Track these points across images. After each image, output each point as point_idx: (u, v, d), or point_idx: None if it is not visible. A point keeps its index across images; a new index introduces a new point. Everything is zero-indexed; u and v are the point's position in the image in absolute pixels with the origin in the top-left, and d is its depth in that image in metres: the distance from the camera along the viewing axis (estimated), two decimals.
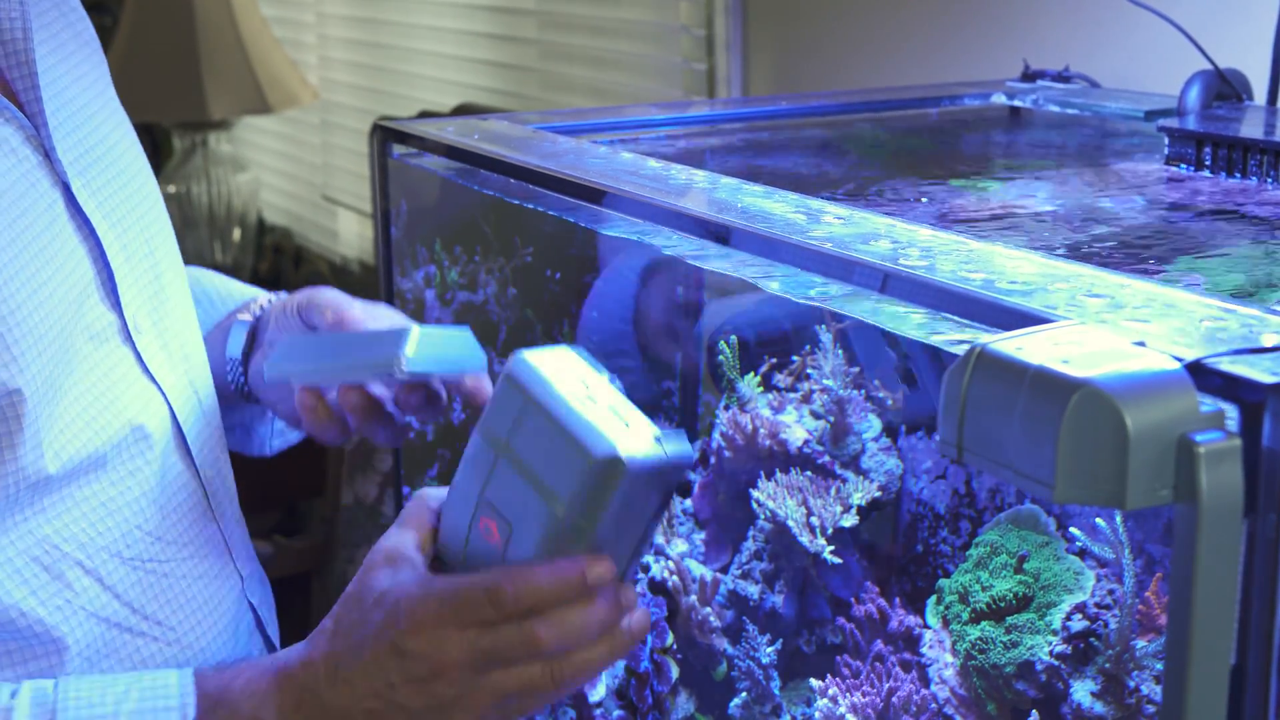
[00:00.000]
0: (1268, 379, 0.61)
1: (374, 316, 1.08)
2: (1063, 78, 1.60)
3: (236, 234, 4.18)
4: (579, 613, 0.86)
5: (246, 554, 1.11)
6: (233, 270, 4.17)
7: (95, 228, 0.98)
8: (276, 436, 1.29)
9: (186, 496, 1.03)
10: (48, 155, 0.97)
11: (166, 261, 1.07)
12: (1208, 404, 0.62)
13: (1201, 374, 0.63)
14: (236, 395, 1.16)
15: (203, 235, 4.13)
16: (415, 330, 0.98)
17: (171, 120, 4.23)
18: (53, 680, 0.91)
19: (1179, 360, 0.63)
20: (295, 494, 3.57)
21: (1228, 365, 0.63)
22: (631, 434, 0.84)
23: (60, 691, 0.89)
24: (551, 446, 0.85)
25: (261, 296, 1.19)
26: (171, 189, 4.11)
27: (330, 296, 1.09)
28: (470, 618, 0.86)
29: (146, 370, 1.01)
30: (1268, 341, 0.66)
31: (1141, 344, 0.66)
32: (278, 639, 1.13)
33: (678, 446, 0.85)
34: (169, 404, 1.02)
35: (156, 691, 0.90)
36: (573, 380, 0.87)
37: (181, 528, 1.02)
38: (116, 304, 0.99)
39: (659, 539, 1.30)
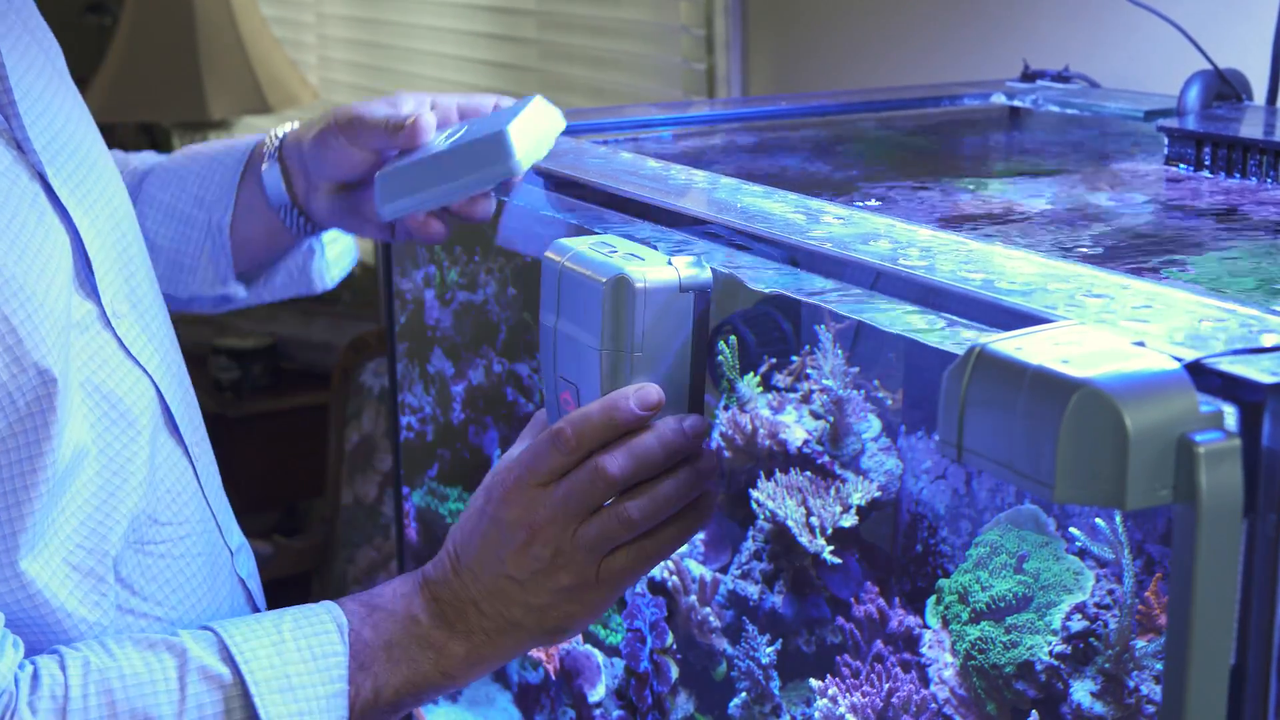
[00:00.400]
0: (1267, 379, 0.61)
1: (397, 104, 1.13)
2: (1062, 78, 1.60)
3: None
4: (640, 439, 0.91)
5: (233, 528, 1.12)
6: None
7: (71, 215, 0.99)
8: (333, 267, 1.35)
9: (178, 476, 1.04)
10: (20, 147, 0.98)
11: (135, 247, 1.08)
12: (1207, 404, 0.62)
13: (1201, 374, 0.63)
14: (292, 236, 1.23)
15: None
16: (512, 132, 1.05)
17: (171, 120, 4.23)
18: (200, 625, 0.98)
19: (1178, 360, 0.63)
20: (295, 494, 3.57)
21: (1227, 365, 0.63)
22: (643, 264, 0.92)
23: (221, 630, 0.95)
24: (580, 296, 0.93)
25: (264, 139, 1.25)
26: None
27: (353, 112, 1.14)
28: (544, 469, 0.92)
29: (130, 354, 1.01)
30: (1267, 341, 0.66)
31: (1141, 344, 0.66)
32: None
33: (693, 269, 0.93)
34: (155, 385, 1.03)
35: (308, 615, 0.97)
36: (597, 244, 0.95)
37: (176, 507, 1.03)
38: (94, 291, 1.00)
39: None
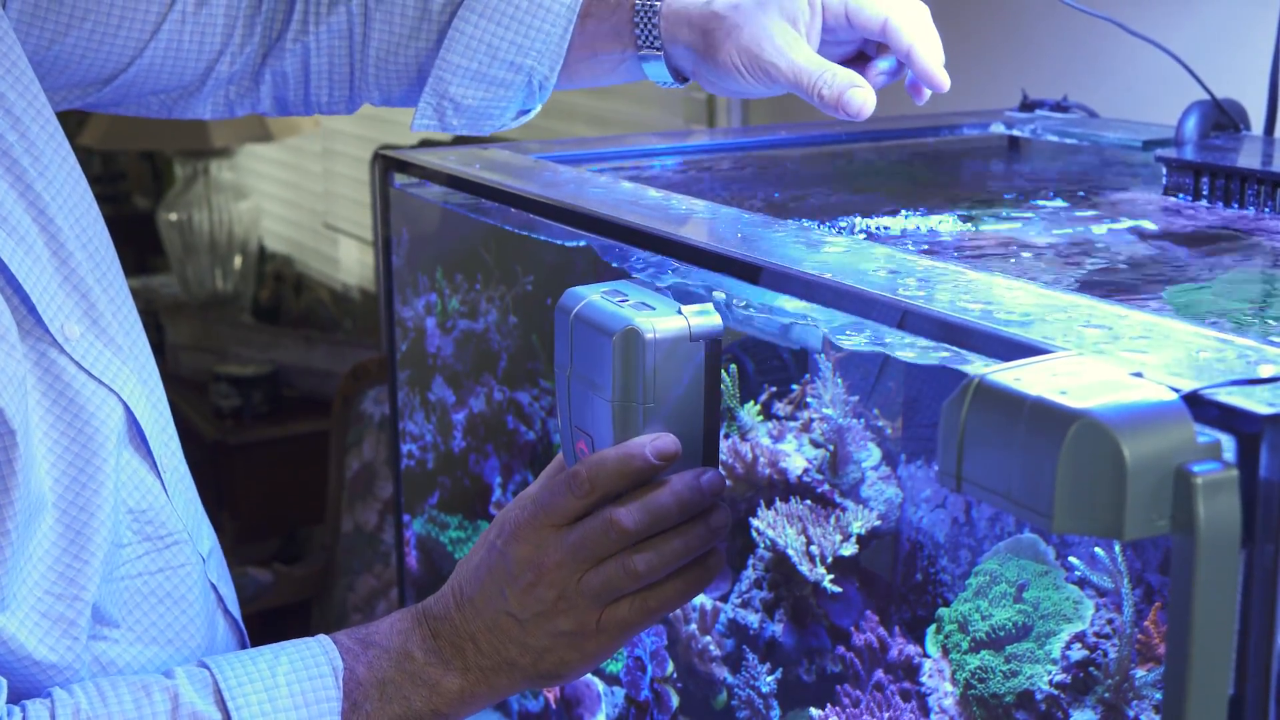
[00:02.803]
0: (1264, 410, 0.61)
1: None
2: (1061, 107, 1.61)
3: (238, 261, 4.19)
4: (656, 495, 0.91)
5: (204, 532, 1.10)
6: (234, 298, 4.18)
7: None
8: None
9: (144, 494, 1.02)
10: None
11: (89, 263, 1.02)
12: (1205, 435, 0.62)
13: (1198, 405, 0.63)
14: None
15: (204, 262, 4.14)
16: None
17: (173, 148, 4.24)
18: (198, 662, 0.97)
19: (1176, 391, 0.64)
20: (295, 521, 3.57)
21: (1225, 396, 0.63)
22: (653, 315, 0.92)
23: (216, 669, 0.95)
24: (591, 347, 0.93)
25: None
26: (173, 216, 4.12)
27: (765, 64, 1.05)
28: (558, 510, 0.92)
29: (91, 375, 0.99)
30: (1265, 372, 0.67)
31: (1139, 375, 0.66)
32: (239, 615, 1.12)
33: (703, 318, 0.92)
34: (123, 402, 1.00)
35: (303, 655, 0.96)
36: (609, 293, 0.95)
37: (147, 531, 1.02)
38: (39, 321, 0.96)
39: None
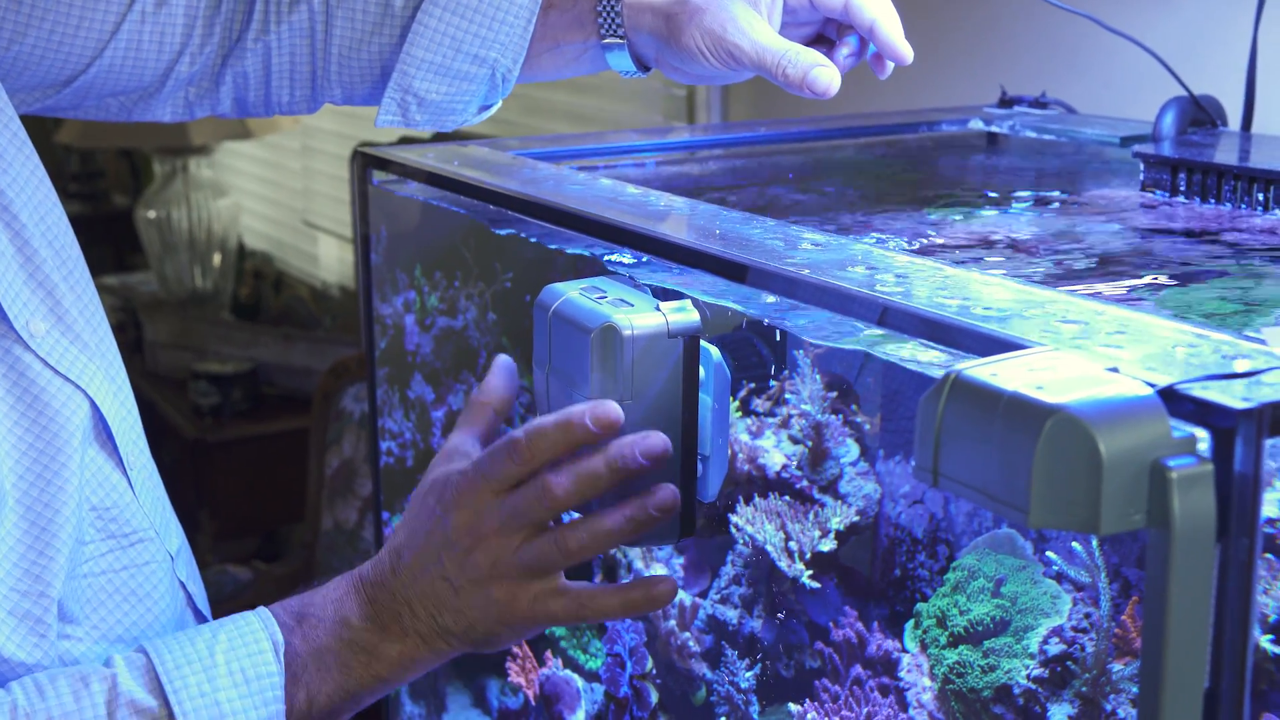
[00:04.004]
0: (1239, 404, 0.61)
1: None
2: (1039, 103, 1.61)
3: (217, 259, 4.18)
4: (588, 460, 0.90)
5: (173, 530, 1.09)
6: (213, 296, 4.17)
7: None
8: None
9: (109, 490, 1.01)
10: None
11: (55, 258, 1.02)
12: (1180, 429, 0.62)
13: (1174, 399, 0.63)
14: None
15: (183, 260, 4.12)
16: None
17: (152, 145, 4.23)
18: (136, 646, 0.96)
19: (1152, 386, 0.64)
20: (275, 519, 3.57)
21: (1200, 391, 0.63)
22: (632, 311, 0.92)
23: (153, 653, 0.94)
24: (569, 343, 0.94)
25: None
26: (151, 214, 4.11)
27: (729, 45, 1.05)
28: (497, 475, 0.91)
29: (58, 372, 0.98)
30: (1240, 367, 0.67)
31: (1115, 370, 0.66)
32: (209, 613, 1.12)
33: (680, 314, 0.93)
34: (89, 398, 1.00)
35: (242, 632, 0.95)
36: (587, 289, 0.96)
37: (111, 529, 1.01)
38: (3, 317, 0.96)
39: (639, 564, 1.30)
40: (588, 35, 1.11)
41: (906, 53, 1.07)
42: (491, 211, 1.27)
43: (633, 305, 0.93)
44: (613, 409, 0.90)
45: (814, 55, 1.04)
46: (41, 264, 1.00)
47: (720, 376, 0.98)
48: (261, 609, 0.97)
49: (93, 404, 1.00)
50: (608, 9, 1.09)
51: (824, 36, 1.12)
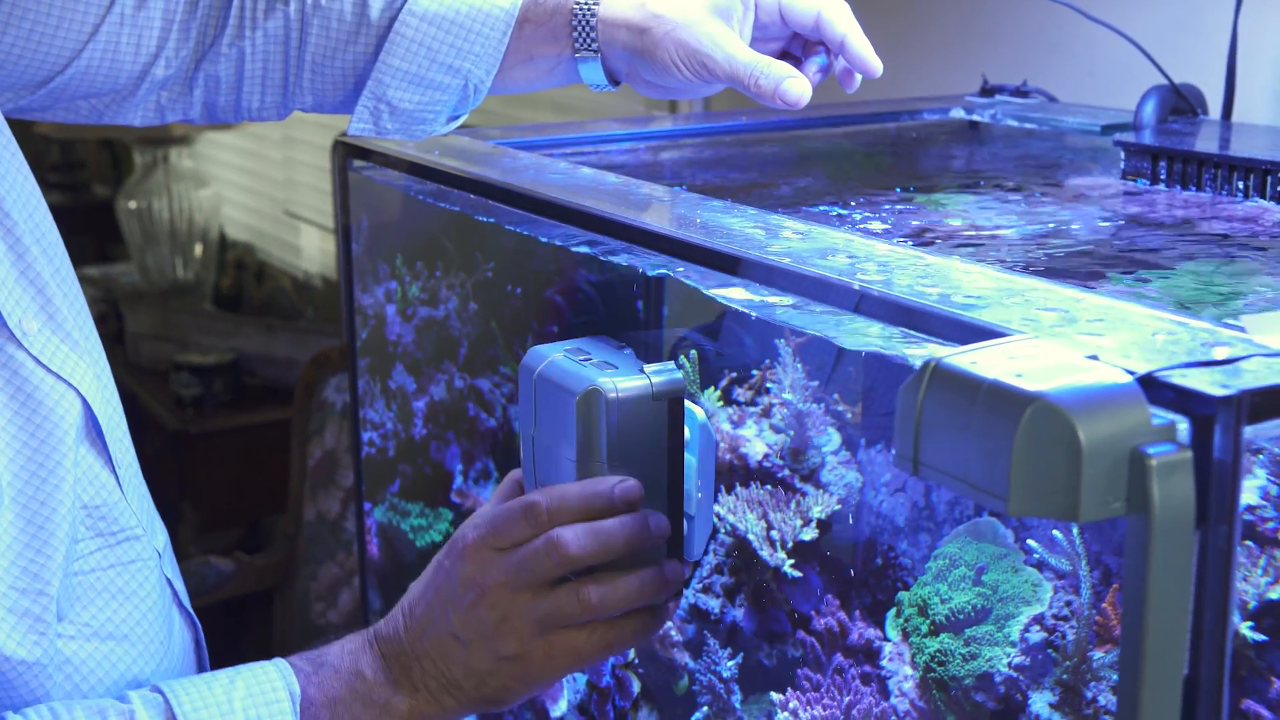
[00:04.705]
0: (1218, 391, 0.62)
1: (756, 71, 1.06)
2: (1021, 92, 1.61)
3: (198, 250, 4.16)
4: (602, 521, 0.91)
5: (157, 527, 1.09)
6: (194, 286, 4.16)
7: None
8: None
9: (99, 488, 1.01)
10: None
11: (45, 257, 1.02)
12: (1160, 417, 0.63)
13: (1153, 387, 0.64)
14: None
15: (164, 251, 4.11)
16: None
17: (133, 136, 4.21)
18: (151, 687, 0.96)
19: (1131, 374, 0.64)
20: (258, 511, 3.56)
21: (1179, 378, 0.64)
22: (616, 374, 0.92)
23: (171, 695, 0.94)
24: (554, 407, 0.94)
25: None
26: (133, 204, 4.10)
27: (702, 58, 1.06)
28: (507, 535, 0.93)
29: (50, 370, 0.97)
30: (1219, 354, 0.67)
31: (1095, 357, 0.66)
32: (192, 609, 1.12)
33: (665, 376, 0.93)
34: (82, 397, 0.99)
35: (257, 674, 0.96)
36: (572, 351, 0.96)
37: (100, 527, 1.01)
38: None
39: None
40: (562, 49, 1.12)
41: (877, 66, 1.10)
42: (473, 201, 1.26)
43: (617, 368, 0.93)
44: (637, 487, 0.92)
45: (785, 68, 1.06)
46: (33, 262, 1.00)
47: (705, 436, 0.98)
48: (279, 659, 0.98)
49: (84, 402, 0.99)
50: (582, 24, 1.10)
51: (789, 53, 1.14)
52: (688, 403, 0.95)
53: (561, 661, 0.94)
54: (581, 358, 0.95)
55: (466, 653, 0.94)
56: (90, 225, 4.68)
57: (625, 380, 0.92)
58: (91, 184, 5.25)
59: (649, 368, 0.93)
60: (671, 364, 0.94)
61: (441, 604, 0.95)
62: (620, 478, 0.92)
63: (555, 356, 0.96)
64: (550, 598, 0.92)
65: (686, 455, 0.96)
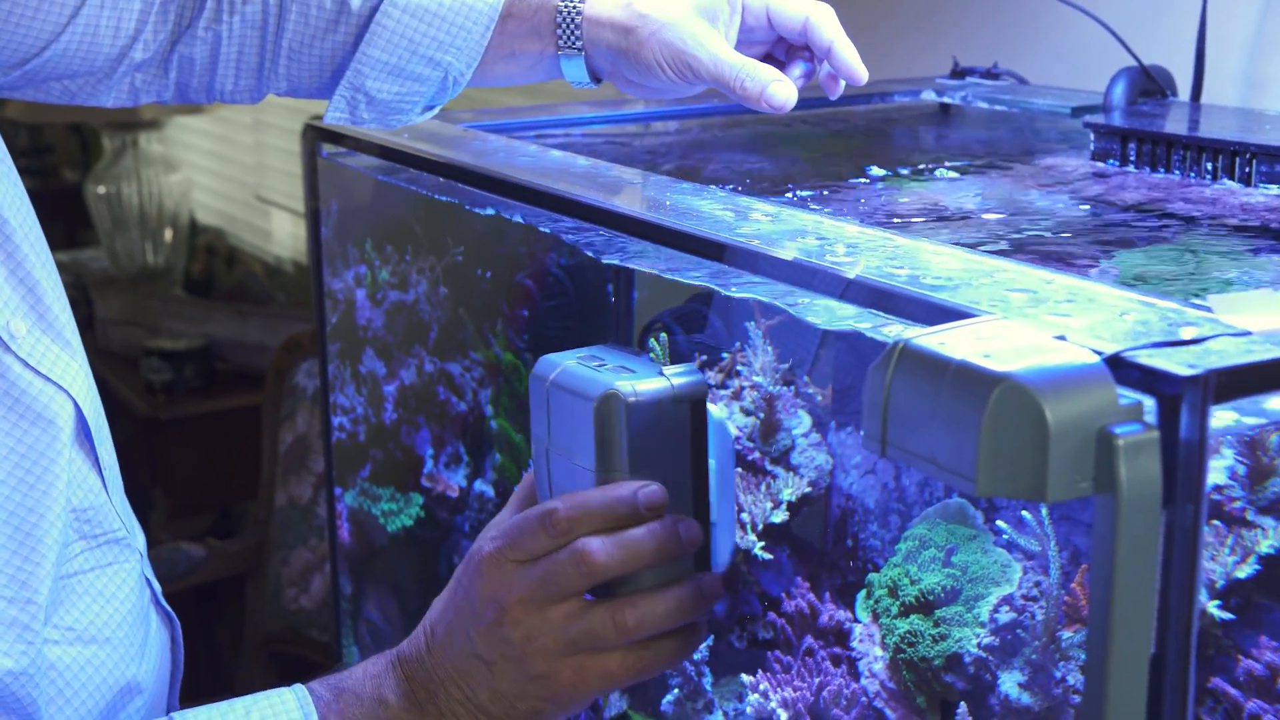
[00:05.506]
0: (1185, 371, 0.62)
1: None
2: (991, 74, 1.62)
3: (168, 235, 4.14)
4: (630, 530, 0.86)
5: (136, 531, 1.07)
6: (165, 272, 4.14)
7: None
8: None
9: (87, 490, 1.00)
10: None
11: (33, 257, 1.00)
12: (1127, 397, 0.63)
13: (1121, 367, 0.64)
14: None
15: (134, 236, 4.09)
16: None
17: (102, 120, 4.19)
18: (165, 717, 0.94)
19: (1099, 354, 0.64)
20: (229, 496, 3.55)
21: (1146, 358, 0.64)
22: (634, 377, 0.87)
23: None
24: (570, 415, 0.89)
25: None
26: (101, 190, 4.07)
27: (688, 60, 1.06)
28: (526, 546, 0.87)
29: (39, 373, 0.95)
30: (1186, 334, 0.67)
31: (1063, 338, 0.66)
32: (169, 607, 1.11)
33: (686, 378, 0.88)
34: (73, 400, 0.97)
35: (274, 704, 0.93)
36: (585, 358, 0.91)
37: (87, 529, 0.99)
38: None
39: None
40: (545, 46, 1.11)
41: (863, 74, 1.09)
42: (442, 184, 1.26)
43: (634, 371, 0.88)
44: (660, 491, 0.87)
45: (771, 71, 1.06)
46: (23, 260, 0.98)
47: (723, 437, 0.93)
48: (298, 686, 0.95)
49: (75, 405, 0.97)
50: (567, 21, 1.10)
51: (772, 56, 1.14)
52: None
53: (594, 683, 0.89)
54: (595, 363, 0.90)
55: (491, 674, 0.89)
56: (59, 210, 4.65)
57: (644, 383, 0.87)
58: (60, 169, 5.22)
59: (669, 369, 0.88)
60: (692, 365, 0.90)
61: (462, 623, 0.90)
62: (642, 482, 0.87)
63: (568, 364, 0.90)
64: (582, 620, 0.87)
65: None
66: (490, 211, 1.17)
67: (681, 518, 0.88)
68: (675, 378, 0.88)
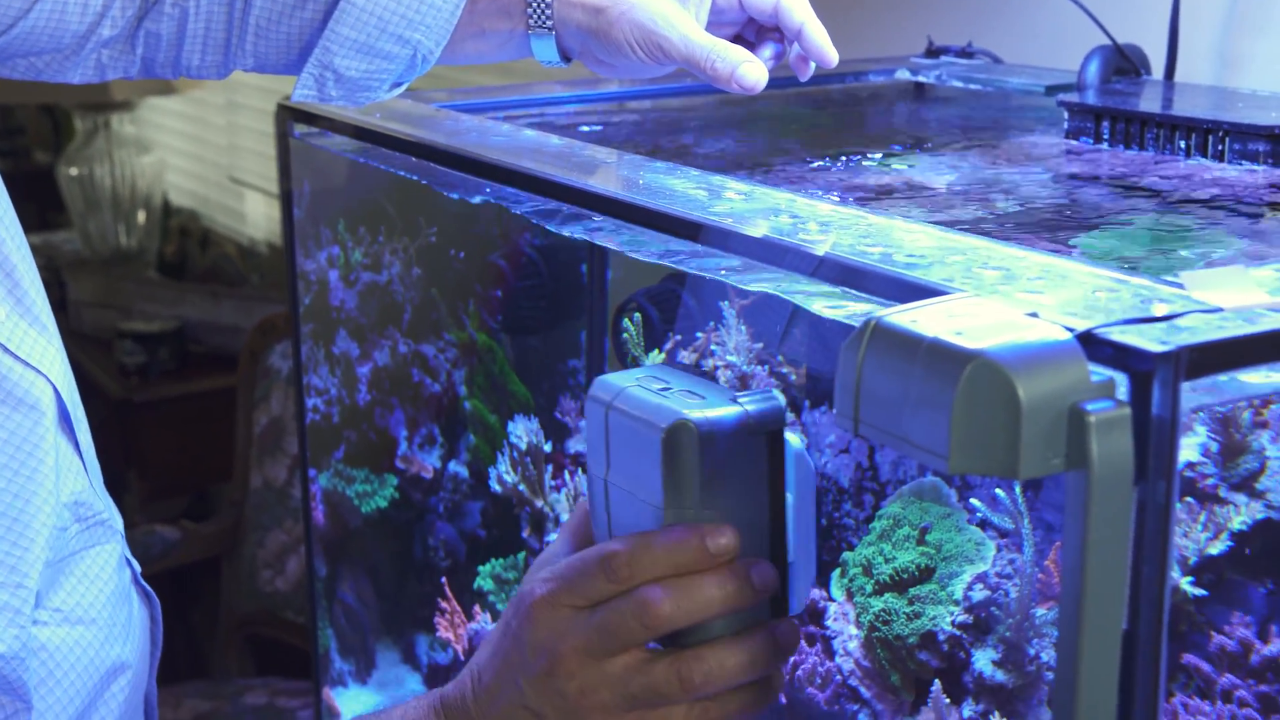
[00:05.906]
0: (1157, 348, 0.62)
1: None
2: (966, 53, 1.62)
3: (141, 217, 4.12)
4: (697, 579, 0.79)
5: (113, 508, 1.07)
6: (138, 254, 4.12)
7: None
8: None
9: (73, 476, 0.99)
10: None
11: (8, 236, 0.98)
12: (1099, 373, 0.63)
13: (1093, 344, 0.64)
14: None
15: (106, 218, 4.07)
16: None
17: (73, 101, 4.16)
18: None
19: (1070, 331, 0.64)
20: (204, 479, 3.54)
21: (1118, 335, 0.64)
22: (705, 403, 0.80)
23: None
24: (634, 444, 0.82)
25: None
26: (74, 171, 4.05)
27: (661, 47, 1.04)
28: (584, 592, 0.81)
29: (18, 358, 0.94)
30: (1158, 311, 0.67)
31: (1035, 315, 0.66)
32: (149, 586, 1.11)
33: (762, 404, 0.81)
34: (52, 384, 0.96)
35: None
36: (646, 379, 0.84)
37: (81, 510, 1.00)
38: None
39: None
40: (515, 25, 1.11)
41: (833, 56, 1.09)
42: (415, 165, 1.25)
43: (704, 397, 0.81)
44: (729, 534, 0.80)
45: (742, 52, 1.05)
46: (1, 245, 0.96)
47: (803, 468, 0.85)
48: None
49: (55, 389, 0.96)
50: (538, 1, 1.09)
51: (742, 37, 1.14)
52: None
53: None
54: (659, 386, 0.83)
55: None
56: (31, 192, 4.62)
57: (716, 410, 0.80)
58: (32, 150, 5.19)
59: (742, 396, 0.81)
60: (771, 391, 0.84)
61: (510, 671, 0.84)
62: (714, 526, 0.79)
63: (629, 386, 0.83)
64: (643, 673, 0.80)
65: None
66: (477, 200, 1.17)
67: (755, 561, 0.81)
68: (750, 404, 0.81)
